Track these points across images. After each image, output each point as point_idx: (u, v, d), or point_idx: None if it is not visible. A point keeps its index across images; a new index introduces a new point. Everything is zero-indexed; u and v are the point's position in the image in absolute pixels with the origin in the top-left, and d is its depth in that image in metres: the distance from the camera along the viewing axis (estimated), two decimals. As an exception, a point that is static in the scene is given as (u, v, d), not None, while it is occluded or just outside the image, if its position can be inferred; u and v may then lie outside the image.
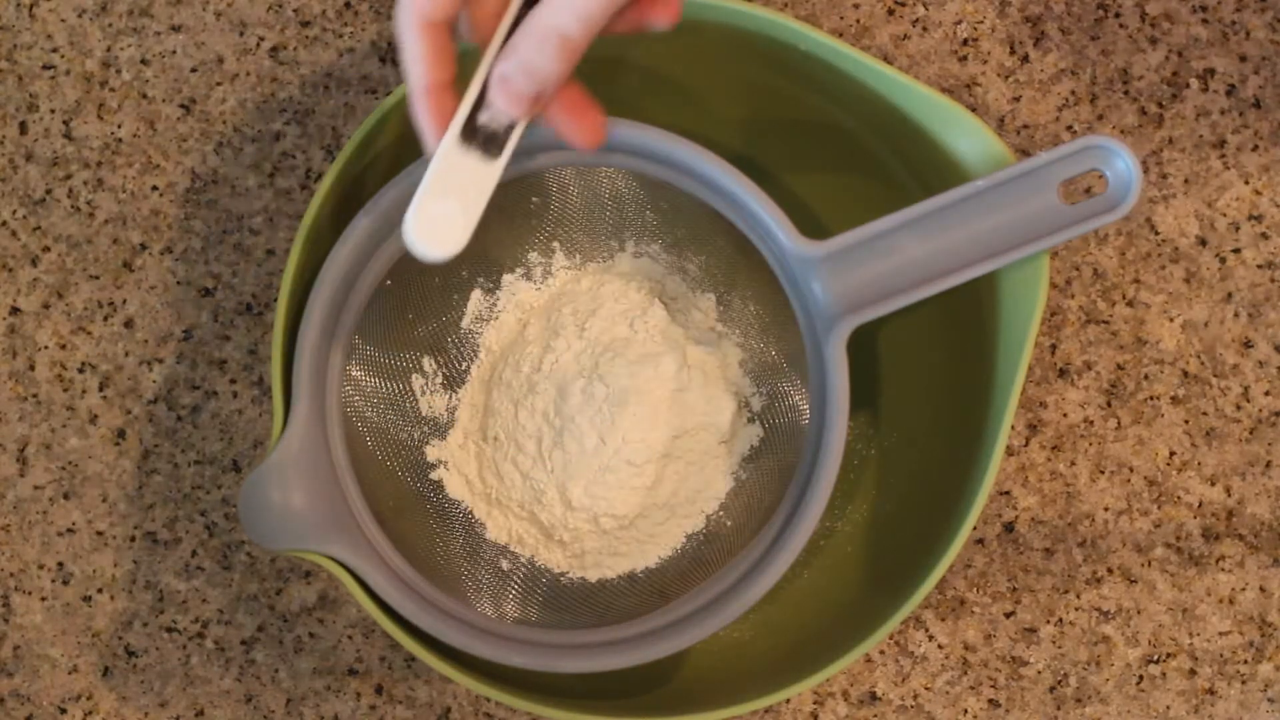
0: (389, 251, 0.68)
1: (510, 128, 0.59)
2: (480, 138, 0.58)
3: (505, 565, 0.72)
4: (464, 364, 0.74)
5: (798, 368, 0.71)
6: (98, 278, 0.77)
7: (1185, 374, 0.76)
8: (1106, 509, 0.76)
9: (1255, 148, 0.77)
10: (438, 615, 0.66)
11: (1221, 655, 0.75)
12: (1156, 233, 0.77)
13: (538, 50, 0.55)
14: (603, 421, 0.71)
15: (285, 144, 0.77)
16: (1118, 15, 0.78)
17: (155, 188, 0.77)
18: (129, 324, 0.77)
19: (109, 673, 0.76)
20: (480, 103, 0.58)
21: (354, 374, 0.69)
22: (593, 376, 0.71)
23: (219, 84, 0.78)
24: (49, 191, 0.77)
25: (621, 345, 0.72)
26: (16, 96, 0.78)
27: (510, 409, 0.72)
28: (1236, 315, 0.77)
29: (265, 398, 0.76)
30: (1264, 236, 0.77)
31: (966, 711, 0.75)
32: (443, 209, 0.58)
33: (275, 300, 0.76)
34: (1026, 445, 0.76)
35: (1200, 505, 0.76)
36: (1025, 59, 0.78)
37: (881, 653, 0.75)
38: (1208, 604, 0.76)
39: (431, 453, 0.73)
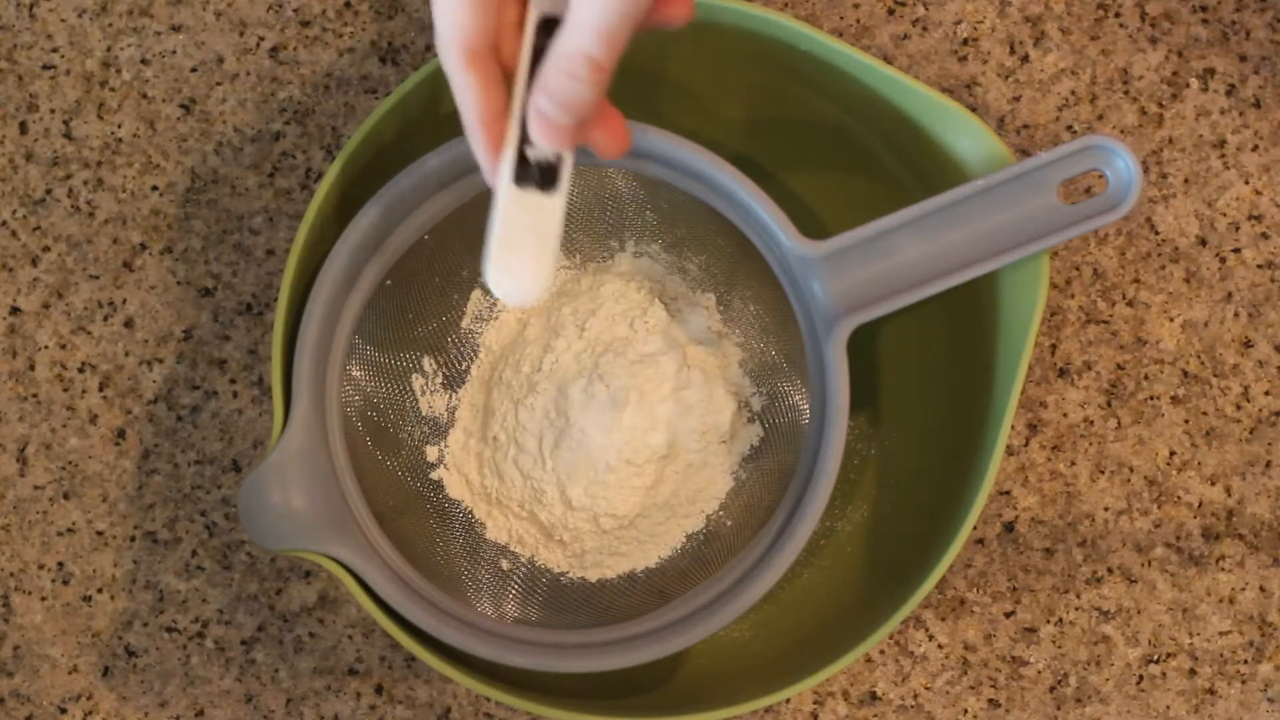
0: (389, 251, 0.68)
1: (560, 155, 0.57)
2: (535, 174, 0.56)
3: (505, 565, 0.72)
4: (464, 364, 0.74)
5: (798, 368, 0.71)
6: (98, 278, 0.77)
7: (1185, 374, 0.76)
8: (1106, 509, 0.76)
9: (1255, 148, 0.77)
10: (438, 615, 0.66)
11: (1221, 655, 0.75)
12: (1156, 233, 0.77)
13: (568, 79, 0.54)
14: (603, 421, 0.71)
15: (285, 144, 0.77)
16: (1118, 15, 0.78)
17: (155, 188, 0.77)
18: (129, 324, 0.77)
19: (109, 673, 0.76)
20: (524, 137, 0.56)
21: (354, 374, 0.69)
22: (593, 376, 0.71)
23: (219, 84, 0.78)
24: (49, 191, 0.77)
25: (621, 345, 0.72)
26: (16, 96, 0.78)
27: (510, 409, 0.72)
28: (1236, 315, 0.77)
29: (265, 398, 0.76)
30: (1264, 236, 0.77)
31: (966, 711, 0.75)
32: (518, 256, 0.57)
33: (275, 300, 0.76)
34: (1026, 445, 0.76)
35: (1200, 505, 0.76)
36: (1025, 59, 0.78)
37: (881, 653, 0.76)
38: (1208, 604, 0.76)
39: (431, 453, 0.73)
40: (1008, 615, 0.76)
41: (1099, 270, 0.77)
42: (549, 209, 0.57)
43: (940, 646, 0.76)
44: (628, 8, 0.53)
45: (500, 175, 0.56)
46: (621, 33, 0.54)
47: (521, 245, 0.56)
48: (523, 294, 0.57)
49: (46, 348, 0.77)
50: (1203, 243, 0.77)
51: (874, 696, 0.75)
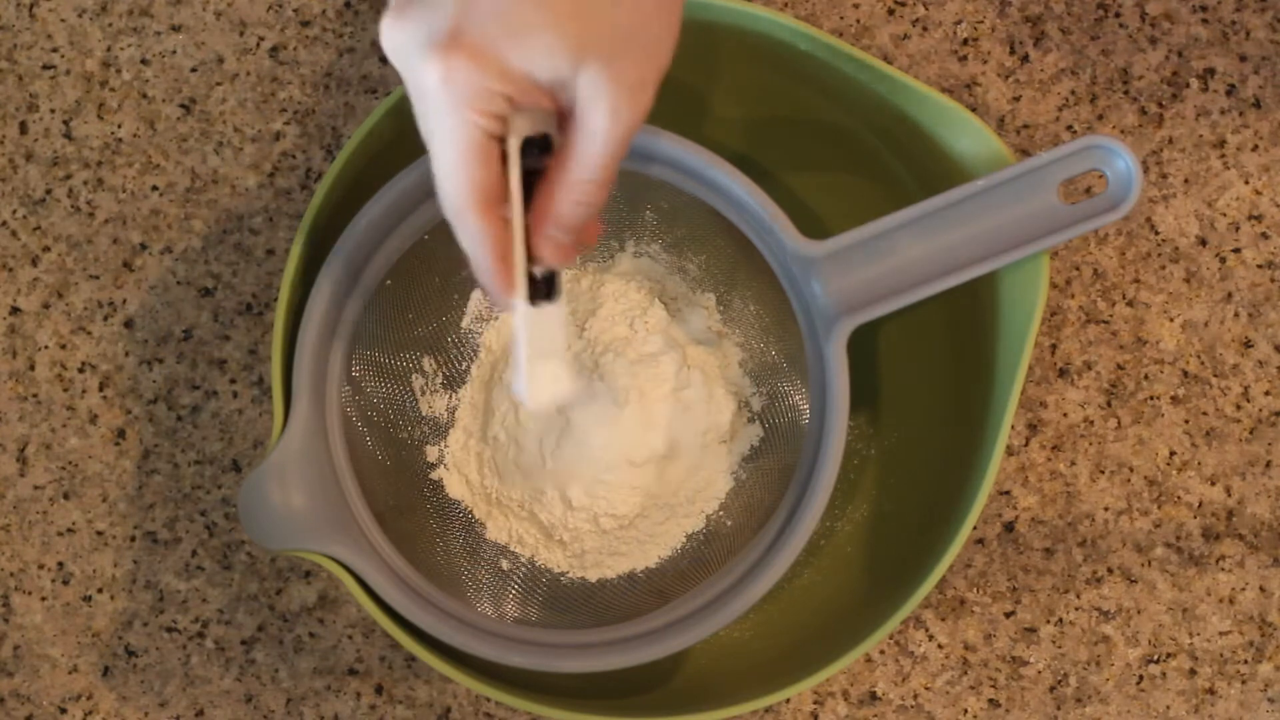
0: (389, 251, 0.68)
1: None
2: (542, 289, 0.59)
3: (505, 565, 0.72)
4: (464, 364, 0.74)
5: (798, 368, 0.71)
6: (98, 278, 0.77)
7: (1185, 374, 0.76)
8: (1106, 509, 0.76)
9: (1255, 148, 0.77)
10: (438, 615, 0.66)
11: (1221, 655, 0.75)
12: (1156, 233, 0.77)
13: (581, 208, 0.56)
14: (603, 421, 0.71)
15: (285, 144, 0.77)
16: (1118, 15, 0.78)
17: (155, 188, 0.77)
18: (129, 324, 0.77)
19: (109, 673, 0.76)
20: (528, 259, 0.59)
21: (354, 374, 0.69)
22: (593, 376, 0.71)
23: (219, 84, 0.78)
24: (49, 191, 0.77)
25: (621, 345, 0.72)
26: (16, 96, 0.78)
27: (510, 409, 0.72)
28: (1236, 315, 0.77)
29: (265, 398, 0.76)
30: (1264, 236, 0.77)
31: (966, 711, 0.75)
32: (547, 364, 0.60)
33: (275, 300, 0.76)
34: (1026, 445, 0.76)
35: (1200, 505, 0.76)
36: (1025, 59, 0.78)
37: (881, 653, 0.75)
38: (1208, 604, 0.76)
39: (431, 453, 0.73)
40: (1008, 615, 0.76)
41: (1099, 270, 0.77)
42: (556, 314, 0.60)
43: (940, 646, 0.76)
44: (628, 133, 0.55)
45: (518, 300, 0.58)
46: (621, 154, 0.56)
47: (548, 354, 0.60)
48: (560, 395, 0.61)
49: (46, 348, 0.77)
50: (1203, 243, 0.77)
51: (874, 696, 0.75)
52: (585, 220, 0.57)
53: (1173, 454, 0.76)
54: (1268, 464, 0.76)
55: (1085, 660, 0.75)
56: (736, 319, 0.74)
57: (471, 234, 0.56)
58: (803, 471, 0.66)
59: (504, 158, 0.56)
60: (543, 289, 0.59)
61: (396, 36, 0.54)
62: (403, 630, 0.66)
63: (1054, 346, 0.76)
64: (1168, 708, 0.75)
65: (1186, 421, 0.76)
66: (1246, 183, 0.77)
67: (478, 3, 0.53)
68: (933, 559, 0.66)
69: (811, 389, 0.67)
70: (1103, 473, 0.76)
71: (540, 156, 0.56)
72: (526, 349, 0.59)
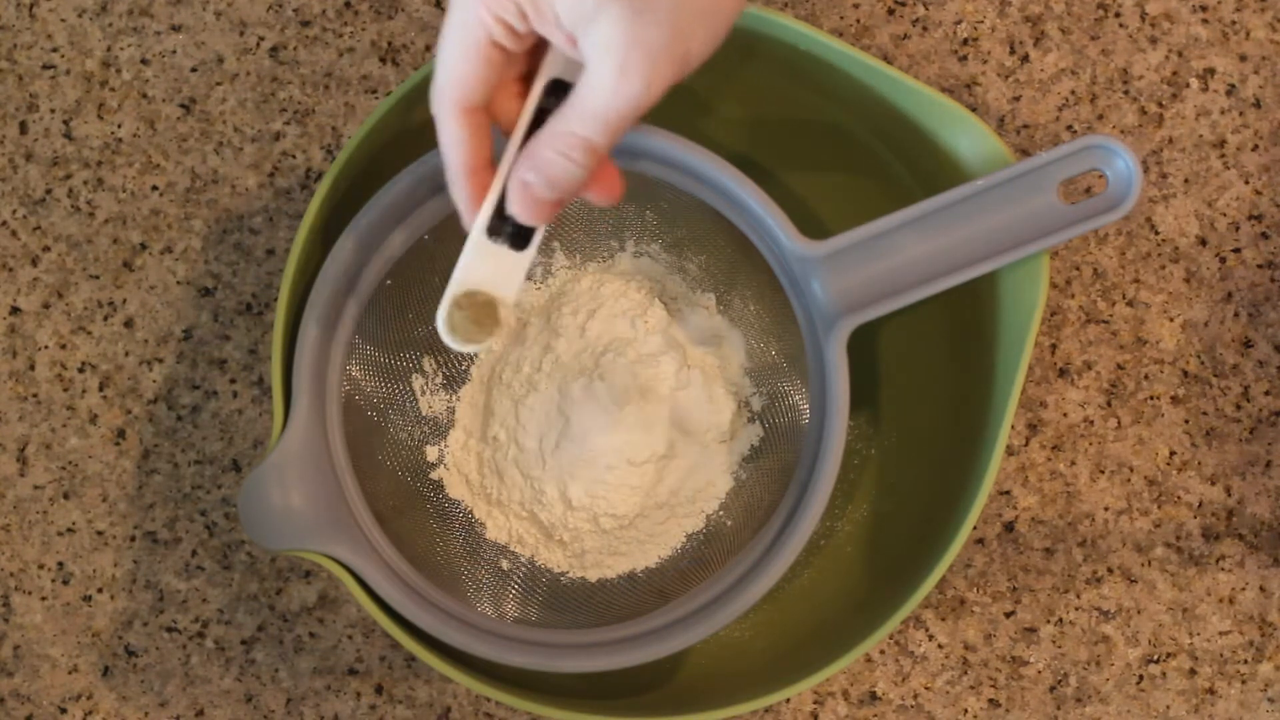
0: (389, 251, 0.68)
1: None
2: (509, 231, 0.57)
3: (505, 565, 0.72)
4: (464, 364, 0.74)
5: (798, 368, 0.71)
6: (98, 278, 0.77)
7: (1185, 374, 0.76)
8: (1106, 509, 0.76)
9: (1255, 148, 0.77)
10: (438, 615, 0.66)
11: (1221, 655, 0.75)
12: (1156, 233, 0.77)
13: (561, 159, 0.54)
14: (603, 421, 0.71)
15: (285, 144, 0.77)
16: (1118, 15, 0.78)
17: (155, 188, 0.77)
18: (129, 324, 0.77)
19: (109, 672, 0.76)
20: (504, 197, 0.57)
21: (354, 374, 0.69)
22: (593, 376, 0.71)
23: (219, 84, 0.78)
24: (49, 191, 0.77)
25: (621, 345, 0.72)
26: (16, 96, 0.78)
27: (510, 409, 0.72)
28: (1236, 315, 0.77)
29: (265, 398, 0.76)
30: (1264, 236, 0.77)
31: (966, 711, 0.75)
32: (465, 300, 0.58)
33: (275, 300, 0.76)
34: (1026, 445, 0.76)
35: (1200, 505, 0.76)
36: (1025, 59, 0.78)
37: (881, 653, 0.75)
38: (1208, 604, 0.76)
39: (431, 453, 0.73)
40: (1008, 615, 0.76)
41: (1099, 270, 0.77)
42: (513, 264, 0.58)
43: (940, 646, 0.76)
44: (639, 102, 0.52)
45: (475, 225, 0.57)
46: (626, 125, 0.53)
47: (473, 291, 0.58)
48: (483, 341, 0.58)
49: (46, 348, 0.77)
50: (1203, 243, 0.77)
51: (874, 696, 0.75)
52: (565, 179, 0.55)
53: (1173, 454, 0.76)
54: (1268, 464, 0.76)
55: (1085, 660, 0.75)
56: (736, 319, 0.74)
57: (447, 132, 0.55)
58: (803, 471, 0.66)
59: (518, 81, 0.55)
60: (508, 230, 0.57)
61: None
62: (403, 630, 0.66)
63: (1054, 346, 0.76)
64: (1168, 708, 0.75)
65: (1186, 421, 0.76)
66: (1246, 183, 0.77)
67: None
68: (933, 559, 0.66)
69: (811, 389, 0.67)
70: (1103, 473, 0.76)
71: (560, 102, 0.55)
72: (457, 276, 0.57)
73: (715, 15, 0.53)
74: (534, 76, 0.57)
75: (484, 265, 0.58)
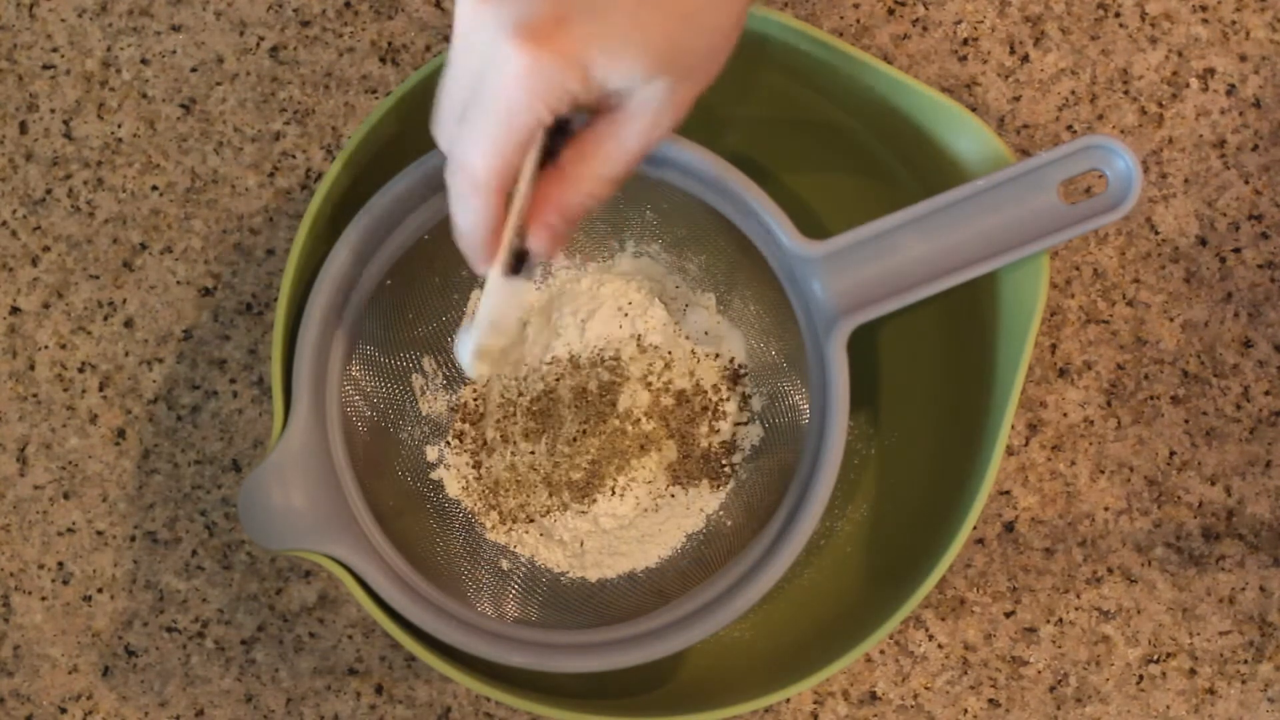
0: (389, 251, 0.68)
1: None
2: (514, 263, 0.59)
3: (505, 565, 0.72)
4: (464, 364, 0.74)
5: (798, 368, 0.71)
6: (98, 277, 0.77)
7: (1185, 374, 0.76)
8: (1106, 509, 0.76)
9: (1255, 148, 0.77)
10: (438, 615, 0.66)
11: (1221, 655, 0.75)
12: (1156, 233, 0.77)
13: (590, 200, 0.57)
14: (603, 420, 0.71)
15: (285, 144, 0.77)
16: (1118, 15, 0.78)
17: (155, 188, 0.77)
18: (129, 324, 0.77)
19: (109, 672, 0.76)
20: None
21: (354, 374, 0.69)
22: (593, 375, 0.71)
23: (219, 84, 0.78)
24: (49, 191, 0.77)
25: (622, 345, 0.72)
26: (16, 96, 0.78)
27: (510, 408, 0.72)
28: (1236, 315, 0.77)
29: (265, 398, 0.76)
30: (1264, 236, 0.77)
31: (966, 711, 0.75)
32: (500, 337, 0.60)
33: (275, 300, 0.76)
34: (1026, 445, 0.76)
35: (1200, 505, 0.76)
36: (1025, 59, 0.78)
37: (881, 653, 0.76)
38: (1208, 604, 0.76)
39: (431, 453, 0.73)
40: (1008, 615, 0.76)
41: (1099, 270, 0.77)
42: (523, 289, 0.59)
43: (940, 646, 0.76)
44: (659, 143, 0.56)
45: (492, 273, 0.58)
46: (634, 167, 0.57)
47: (500, 327, 0.60)
48: (498, 370, 0.61)
49: (46, 348, 0.77)
50: (1203, 243, 0.77)
51: (874, 696, 0.75)
52: (584, 214, 0.57)
53: (1173, 454, 0.76)
54: (1268, 464, 0.76)
55: (1085, 660, 0.75)
56: (736, 319, 0.74)
57: (479, 209, 0.56)
58: (803, 471, 0.66)
59: None
60: (516, 263, 0.59)
61: (486, 9, 0.53)
62: (403, 630, 0.66)
63: (1054, 346, 0.76)
64: (1168, 708, 0.75)
65: (1186, 421, 0.76)
66: (1246, 183, 0.77)
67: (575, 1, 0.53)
68: (933, 559, 0.66)
69: (811, 389, 0.67)
70: (1103, 473, 0.76)
71: (556, 138, 0.56)
72: (485, 317, 0.59)
73: (725, 51, 0.57)
74: None
75: (505, 304, 0.59)
